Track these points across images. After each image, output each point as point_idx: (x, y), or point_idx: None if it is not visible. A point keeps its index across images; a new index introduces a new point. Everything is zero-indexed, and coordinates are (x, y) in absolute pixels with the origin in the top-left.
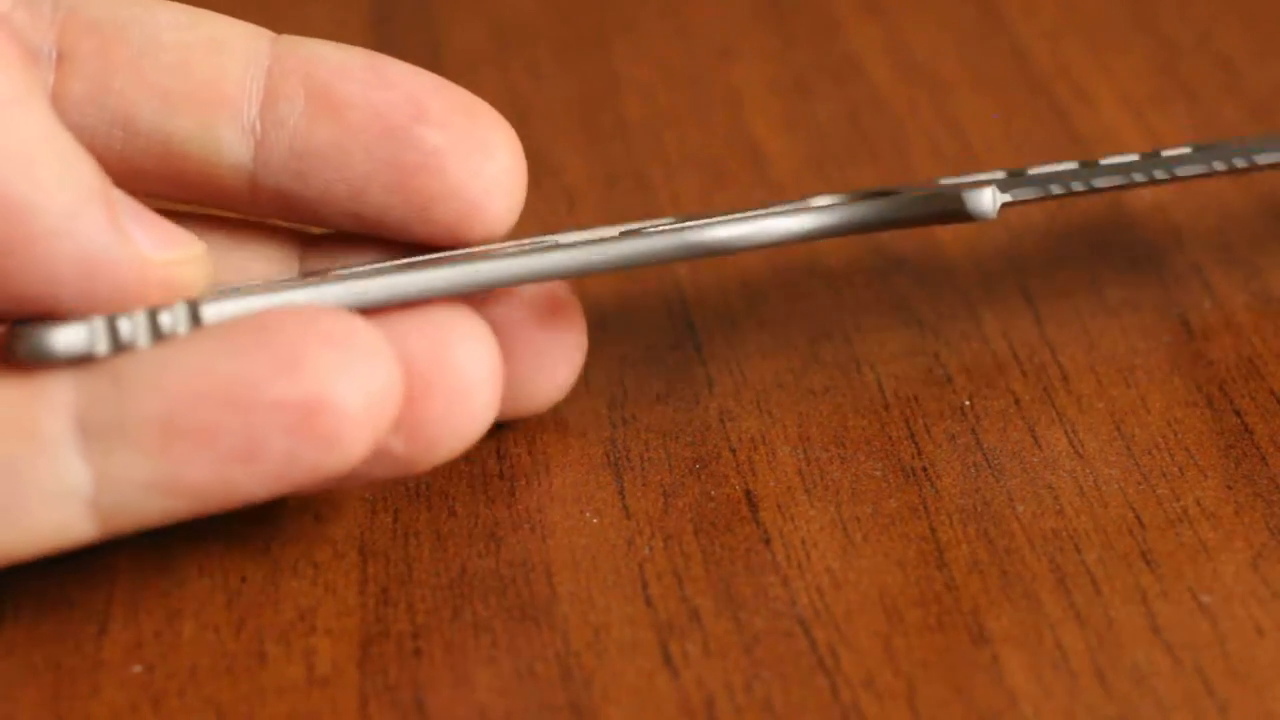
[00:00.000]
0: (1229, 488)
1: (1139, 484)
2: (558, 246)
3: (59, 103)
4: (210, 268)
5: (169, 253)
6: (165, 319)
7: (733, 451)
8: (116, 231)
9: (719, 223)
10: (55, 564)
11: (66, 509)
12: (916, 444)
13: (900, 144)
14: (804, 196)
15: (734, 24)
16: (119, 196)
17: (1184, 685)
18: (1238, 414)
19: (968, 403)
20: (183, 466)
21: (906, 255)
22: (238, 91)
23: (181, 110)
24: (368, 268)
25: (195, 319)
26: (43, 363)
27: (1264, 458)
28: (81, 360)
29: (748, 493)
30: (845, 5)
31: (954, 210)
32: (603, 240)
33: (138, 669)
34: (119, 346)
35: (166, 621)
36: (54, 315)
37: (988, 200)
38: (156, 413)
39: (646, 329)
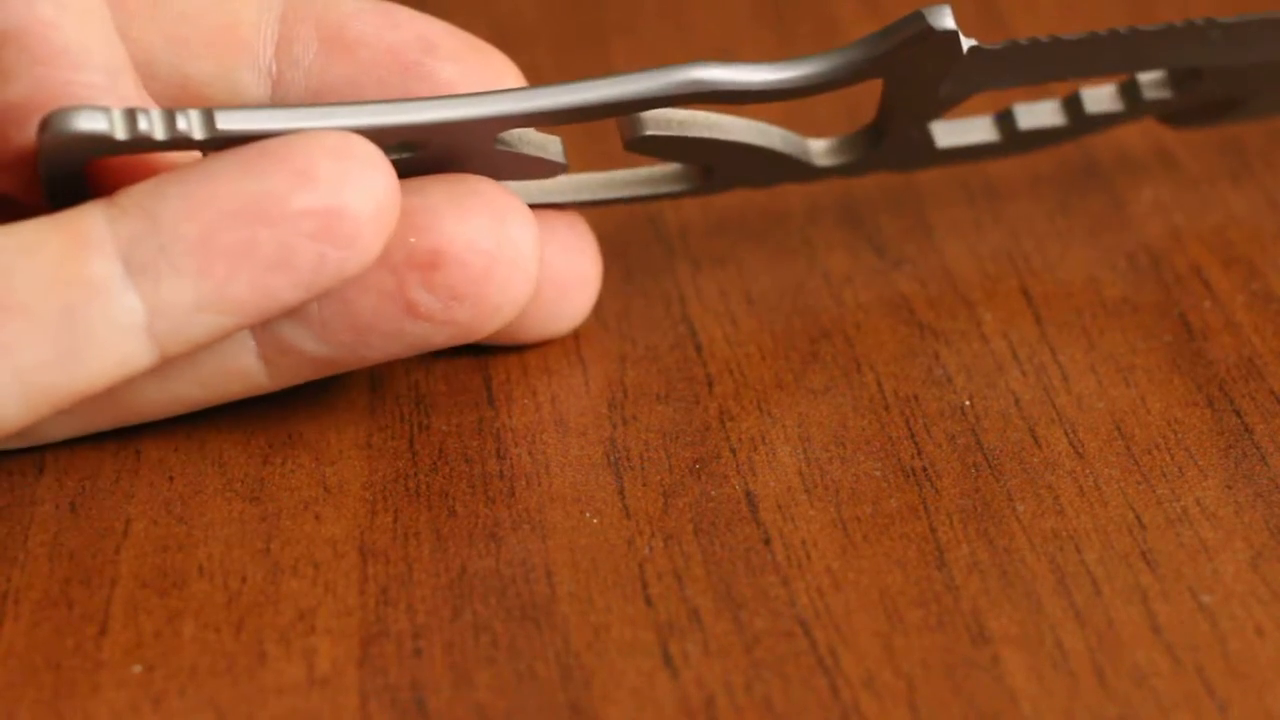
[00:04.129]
0: (1229, 488)
1: (1139, 484)
2: (560, 86)
3: None
4: None
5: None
6: (181, 122)
7: (733, 451)
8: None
9: (712, 64)
10: (55, 564)
11: (128, 342)
12: (916, 444)
13: None
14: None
15: (734, 24)
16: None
17: (1184, 685)
18: (1238, 414)
19: (968, 403)
20: (225, 283)
21: (906, 255)
22: (253, 35)
23: (199, 55)
24: (371, 100)
25: (210, 124)
26: (65, 142)
27: (1264, 458)
28: (101, 141)
29: (748, 493)
30: (845, 5)
31: (919, 31)
32: (610, 80)
33: (138, 669)
34: (136, 136)
35: (166, 621)
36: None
37: (948, 16)
38: (194, 237)
39: (646, 329)
